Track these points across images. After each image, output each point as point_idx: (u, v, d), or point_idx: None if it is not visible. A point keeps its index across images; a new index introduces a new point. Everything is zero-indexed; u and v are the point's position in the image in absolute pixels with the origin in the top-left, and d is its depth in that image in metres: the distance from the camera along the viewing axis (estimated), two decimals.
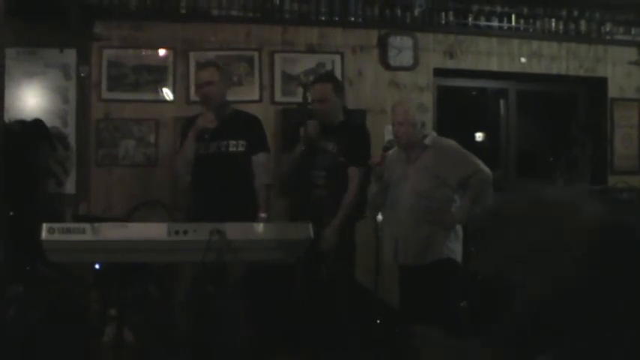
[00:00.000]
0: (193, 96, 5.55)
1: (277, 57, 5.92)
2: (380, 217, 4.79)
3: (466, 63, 6.38)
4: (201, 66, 5.04)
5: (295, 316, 4.62)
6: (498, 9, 6.39)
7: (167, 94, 5.71)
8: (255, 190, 4.67)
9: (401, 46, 6.12)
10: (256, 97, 5.83)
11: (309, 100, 4.66)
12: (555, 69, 6.62)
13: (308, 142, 4.58)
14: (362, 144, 4.79)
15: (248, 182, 4.67)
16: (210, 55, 5.70)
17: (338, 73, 5.95)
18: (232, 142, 4.58)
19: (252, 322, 4.65)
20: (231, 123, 4.57)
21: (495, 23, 6.38)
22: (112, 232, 3.30)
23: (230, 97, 5.39)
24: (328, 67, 5.98)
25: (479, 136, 7.38)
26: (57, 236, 3.18)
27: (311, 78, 5.66)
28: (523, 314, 1.48)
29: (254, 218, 4.49)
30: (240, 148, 4.59)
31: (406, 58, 6.15)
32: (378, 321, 4.90)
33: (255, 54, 5.86)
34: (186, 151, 4.61)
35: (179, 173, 4.92)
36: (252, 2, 5.82)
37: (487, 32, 6.38)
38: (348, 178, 4.67)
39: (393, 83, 6.15)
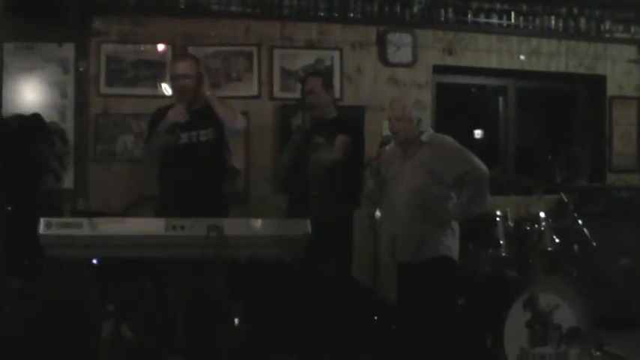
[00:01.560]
0: None
1: (276, 53, 5.91)
2: (378, 213, 4.79)
3: (465, 60, 6.38)
4: (177, 58, 4.99)
5: (293, 314, 4.62)
6: (498, 6, 6.39)
7: (166, 89, 5.69)
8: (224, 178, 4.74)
9: (400, 43, 6.12)
10: (255, 92, 5.83)
11: (300, 92, 4.80)
12: (554, 66, 6.62)
13: (301, 133, 4.58)
14: (354, 131, 4.82)
15: (220, 170, 4.69)
16: (209, 50, 5.70)
17: (337, 70, 5.98)
18: (202, 132, 4.55)
19: (250, 319, 4.66)
20: (202, 113, 4.53)
21: (495, 20, 6.38)
22: (110, 227, 3.30)
23: (229, 93, 5.41)
24: (327, 63, 5.98)
25: (478, 133, 7.38)
26: (54, 231, 3.19)
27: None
28: None
29: (224, 207, 4.52)
30: (210, 136, 4.55)
31: (405, 55, 6.15)
32: (376, 318, 4.91)
33: (254, 49, 5.85)
34: (154, 143, 4.59)
35: (145, 165, 4.92)
36: None
37: (486, 29, 6.38)
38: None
39: (392, 80, 6.15)
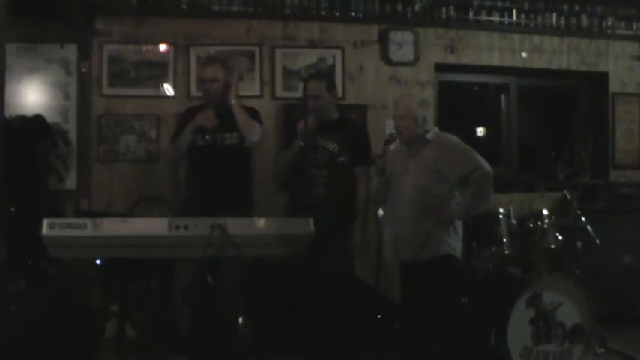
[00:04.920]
0: (194, 91, 5.56)
1: (278, 52, 5.91)
2: (381, 212, 4.80)
3: (467, 58, 6.38)
4: (205, 61, 5.02)
5: (297, 312, 4.63)
6: (499, 3, 6.39)
7: (168, 89, 5.71)
8: (249, 180, 4.76)
9: (402, 42, 6.12)
10: (257, 92, 5.83)
11: (303, 94, 4.74)
12: (556, 64, 6.62)
13: (306, 138, 4.57)
14: (366, 144, 4.80)
15: (243, 173, 4.72)
16: (212, 50, 5.70)
17: (339, 68, 5.98)
18: (227, 135, 4.59)
19: (253, 318, 4.67)
20: (229, 117, 4.55)
21: (496, 18, 6.38)
22: (113, 227, 3.30)
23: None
24: (329, 62, 5.98)
25: (480, 131, 7.37)
26: (58, 231, 3.18)
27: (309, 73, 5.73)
28: None
29: (249, 208, 4.55)
30: (235, 141, 4.59)
31: (407, 54, 6.15)
32: (379, 316, 4.92)
33: (256, 49, 5.86)
34: (181, 143, 4.62)
35: (172, 163, 4.97)
36: None
37: (488, 27, 6.38)
38: (356, 178, 4.69)
39: (394, 78, 6.15)
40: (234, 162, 4.63)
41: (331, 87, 4.87)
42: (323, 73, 5.52)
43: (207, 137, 4.57)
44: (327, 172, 4.67)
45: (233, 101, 4.56)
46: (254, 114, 4.71)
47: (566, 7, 6.55)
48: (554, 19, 6.53)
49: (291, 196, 4.84)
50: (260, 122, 4.72)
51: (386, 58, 6.13)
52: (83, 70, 5.55)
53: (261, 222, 3.55)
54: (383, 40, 6.14)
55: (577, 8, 6.58)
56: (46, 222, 3.19)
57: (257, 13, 5.85)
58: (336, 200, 4.64)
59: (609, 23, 6.67)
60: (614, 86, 6.79)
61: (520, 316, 4.49)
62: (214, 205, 3.95)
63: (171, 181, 5.16)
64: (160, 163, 5.58)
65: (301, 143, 4.59)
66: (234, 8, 5.80)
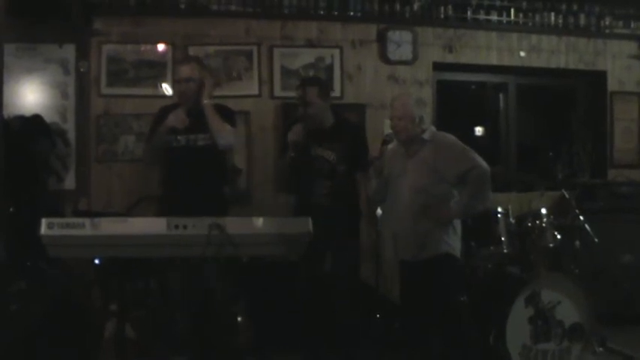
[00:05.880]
0: None
1: (276, 52, 5.92)
2: (379, 212, 4.79)
3: (465, 57, 6.39)
4: (181, 61, 4.97)
5: (297, 312, 4.63)
6: (497, 3, 6.40)
7: (166, 89, 5.70)
8: (223, 180, 4.73)
9: (400, 41, 6.13)
10: (255, 91, 5.84)
11: (296, 100, 4.71)
12: (555, 63, 6.63)
13: (297, 148, 4.55)
14: (364, 148, 4.76)
15: (218, 173, 4.66)
16: (210, 49, 5.71)
17: (337, 68, 5.99)
18: (201, 136, 4.52)
19: (253, 318, 4.67)
20: (203, 117, 4.47)
21: (494, 17, 6.39)
22: (112, 226, 3.29)
23: (229, 92, 5.40)
24: (327, 61, 5.99)
25: (478, 130, 7.37)
26: (56, 231, 3.17)
27: (311, 73, 5.72)
28: None
29: (223, 209, 4.49)
30: (208, 141, 4.51)
31: (405, 53, 6.16)
32: (379, 316, 4.92)
33: (255, 49, 5.86)
34: (154, 145, 4.57)
35: (146, 164, 4.94)
36: None
37: (486, 26, 6.39)
38: (356, 184, 4.67)
39: (393, 78, 6.16)
40: (208, 163, 4.55)
41: (323, 93, 4.73)
42: (314, 79, 5.27)
43: (179, 138, 4.50)
44: (329, 183, 4.62)
45: (205, 102, 4.50)
46: (227, 114, 4.60)
47: (564, 6, 6.56)
48: (552, 18, 6.53)
49: (294, 200, 4.81)
50: (233, 124, 4.60)
51: (384, 57, 6.14)
52: (82, 69, 5.55)
53: (259, 221, 3.53)
54: (381, 39, 6.14)
55: (575, 7, 6.59)
56: (44, 222, 3.17)
57: (255, 12, 5.85)
58: (340, 209, 4.59)
59: (607, 22, 6.68)
60: (612, 85, 6.80)
61: (519, 315, 4.49)
62: (188, 206, 3.93)
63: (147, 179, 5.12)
64: None
65: (292, 154, 4.57)
66: (233, 8, 5.80)
